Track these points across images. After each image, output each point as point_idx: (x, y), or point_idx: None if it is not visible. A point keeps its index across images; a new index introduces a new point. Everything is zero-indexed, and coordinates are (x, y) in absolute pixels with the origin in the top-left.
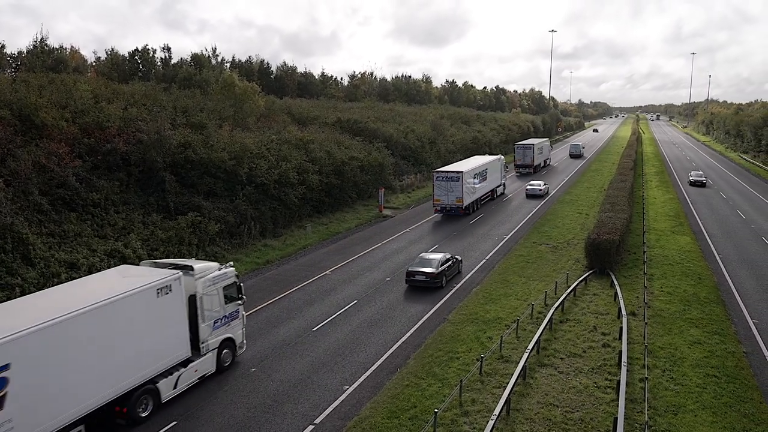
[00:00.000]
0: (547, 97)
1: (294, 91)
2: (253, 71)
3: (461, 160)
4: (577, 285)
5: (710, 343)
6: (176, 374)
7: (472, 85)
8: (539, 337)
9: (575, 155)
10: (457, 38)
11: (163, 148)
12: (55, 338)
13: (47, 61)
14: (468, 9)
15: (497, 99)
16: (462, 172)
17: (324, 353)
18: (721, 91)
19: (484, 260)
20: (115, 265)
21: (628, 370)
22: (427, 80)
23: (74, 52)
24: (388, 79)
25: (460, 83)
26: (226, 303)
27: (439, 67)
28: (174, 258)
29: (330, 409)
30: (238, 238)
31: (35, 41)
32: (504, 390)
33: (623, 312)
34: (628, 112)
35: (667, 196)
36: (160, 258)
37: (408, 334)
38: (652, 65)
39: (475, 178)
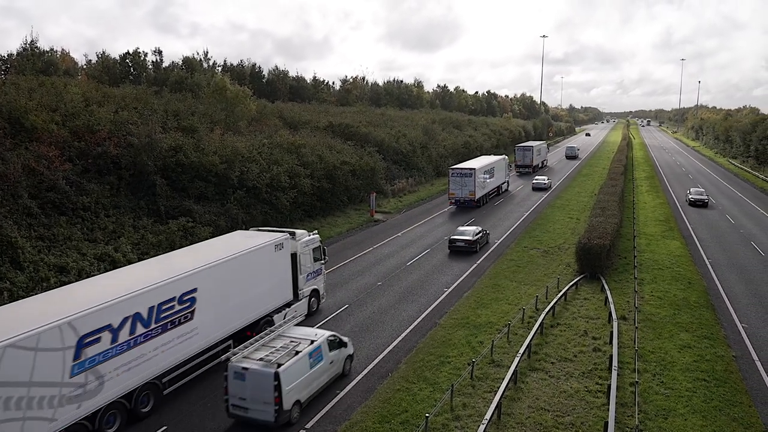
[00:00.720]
0: (539, 102)
1: (286, 96)
2: (245, 75)
3: (454, 164)
4: (568, 289)
5: (700, 347)
6: (284, 312)
7: (463, 90)
8: (530, 341)
9: (571, 156)
10: (449, 43)
11: (153, 152)
12: (220, 274)
13: (37, 63)
14: (460, 14)
15: (489, 104)
16: (474, 168)
17: None
18: (711, 97)
19: (475, 265)
20: (105, 270)
21: (618, 374)
22: (418, 85)
23: (65, 54)
24: (380, 84)
25: (451, 88)
26: (314, 261)
27: (431, 71)
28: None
29: (320, 414)
30: None
31: (25, 43)
32: (495, 394)
33: (614, 316)
34: (619, 118)
35: (657, 200)
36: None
37: (399, 339)
38: (642, 71)
39: (485, 174)
